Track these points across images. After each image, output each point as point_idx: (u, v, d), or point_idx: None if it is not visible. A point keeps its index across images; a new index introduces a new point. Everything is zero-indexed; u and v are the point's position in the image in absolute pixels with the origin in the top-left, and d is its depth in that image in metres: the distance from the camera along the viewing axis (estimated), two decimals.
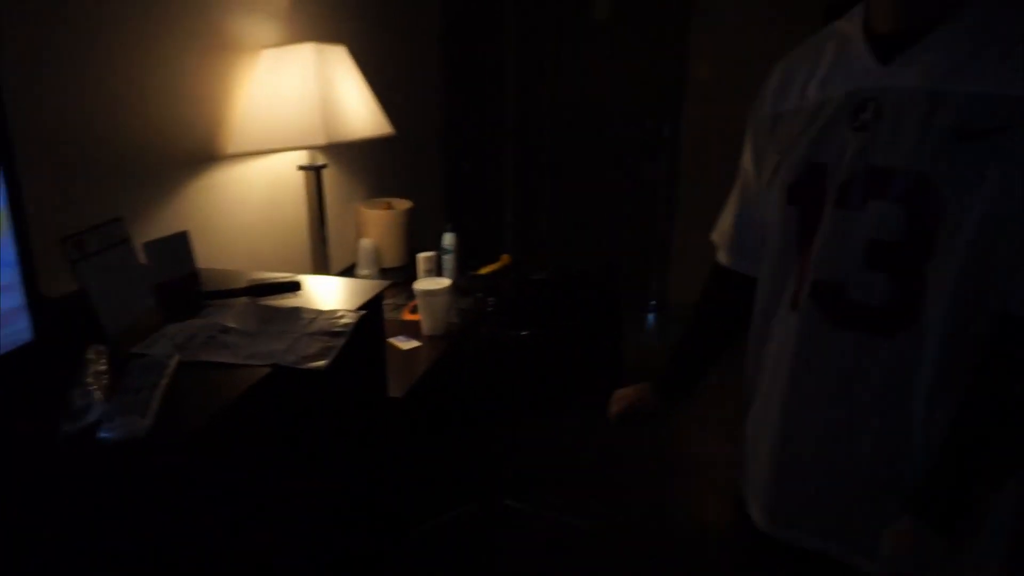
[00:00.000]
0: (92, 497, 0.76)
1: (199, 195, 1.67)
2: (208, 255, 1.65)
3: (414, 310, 1.99)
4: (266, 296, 1.28)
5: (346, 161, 2.34)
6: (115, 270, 1.10)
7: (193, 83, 1.61)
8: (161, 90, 1.52)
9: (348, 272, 2.33)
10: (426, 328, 1.90)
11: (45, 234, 1.00)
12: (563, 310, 1.97)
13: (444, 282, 1.87)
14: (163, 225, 1.53)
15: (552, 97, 3.82)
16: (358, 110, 1.80)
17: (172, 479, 0.85)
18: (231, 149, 1.70)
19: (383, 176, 2.63)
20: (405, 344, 1.85)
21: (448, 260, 2.28)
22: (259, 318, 1.18)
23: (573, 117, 3.80)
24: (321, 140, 1.63)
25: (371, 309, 1.29)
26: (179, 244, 1.26)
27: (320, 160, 1.90)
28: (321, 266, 2.00)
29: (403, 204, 2.42)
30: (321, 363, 1.05)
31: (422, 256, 2.19)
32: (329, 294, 1.35)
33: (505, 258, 2.45)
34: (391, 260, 2.38)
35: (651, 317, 3.89)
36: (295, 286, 1.31)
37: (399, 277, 2.26)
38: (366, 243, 2.26)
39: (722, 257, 1.17)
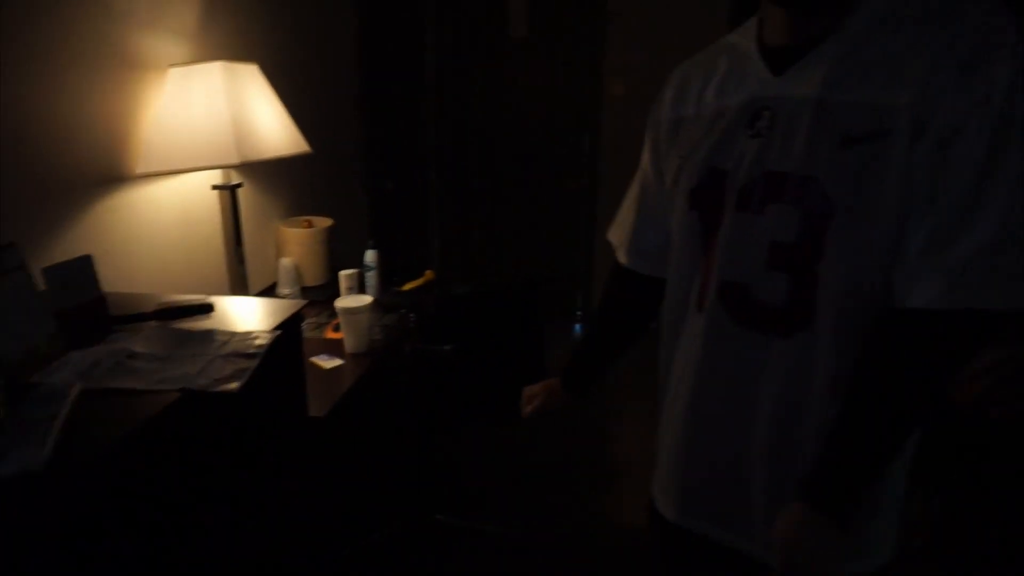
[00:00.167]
0: None
1: (107, 217, 1.62)
2: (118, 279, 1.60)
3: (337, 328, 1.98)
4: (177, 319, 1.25)
5: (264, 179, 2.31)
6: (9, 298, 1.05)
7: (95, 102, 1.56)
8: (59, 109, 1.47)
9: (269, 292, 2.30)
10: (349, 346, 1.88)
11: None
12: (486, 324, 1.99)
13: (366, 299, 1.86)
14: (68, 249, 1.47)
15: (474, 114, 3.86)
16: (272, 128, 1.78)
17: (73, 513, 0.82)
18: (140, 170, 1.66)
19: (304, 194, 2.61)
20: (327, 363, 1.83)
21: (371, 277, 2.27)
22: (170, 342, 1.16)
23: (496, 133, 3.86)
24: (234, 159, 1.61)
25: (288, 329, 1.28)
26: (82, 268, 1.21)
27: (235, 179, 1.87)
28: (239, 287, 1.96)
29: (324, 222, 2.40)
30: (234, 385, 1.04)
31: (344, 274, 2.18)
32: (245, 315, 1.33)
33: (429, 274, 2.46)
34: (313, 279, 2.36)
35: (578, 327, 3.96)
36: (207, 308, 1.29)
37: (321, 295, 2.24)
38: (286, 262, 2.23)
39: (621, 257, 1.20)
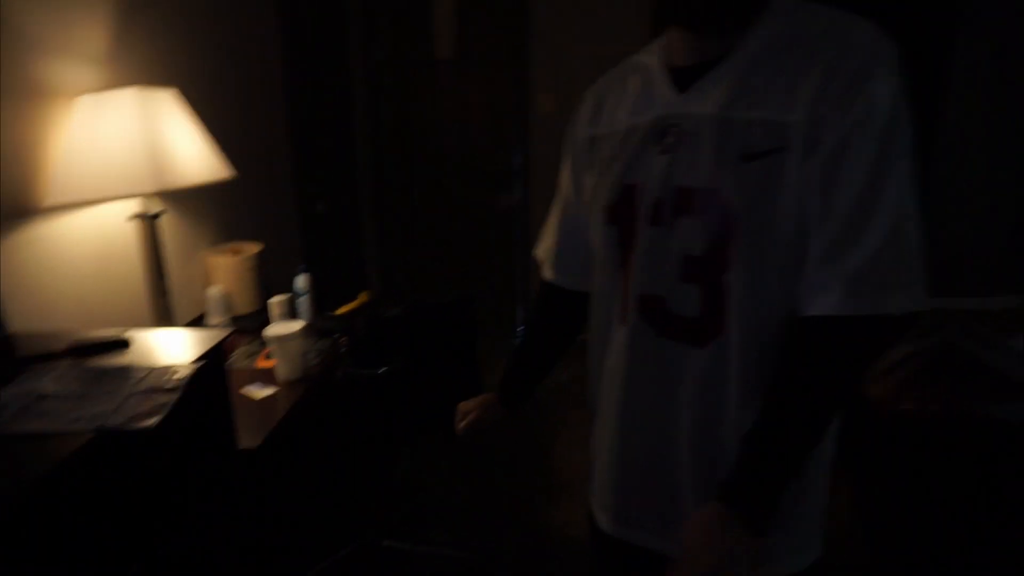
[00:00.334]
0: None
1: (14, 253, 1.54)
2: (30, 317, 1.53)
3: (269, 356, 1.93)
4: (92, 357, 1.20)
5: (188, 207, 2.25)
6: None
7: None
8: None
9: (198, 322, 2.23)
10: (282, 373, 1.84)
11: None
12: (421, 343, 1.97)
13: (296, 325, 1.82)
14: None
15: (406, 134, 3.86)
16: (192, 154, 1.73)
17: None
18: (49, 201, 1.59)
19: (233, 219, 2.54)
20: (260, 392, 1.79)
21: (303, 302, 2.23)
22: (83, 380, 1.11)
23: (429, 152, 3.86)
24: (149, 188, 1.56)
25: (210, 359, 1.25)
26: None
27: (155, 208, 1.81)
28: (164, 319, 1.90)
29: (252, 248, 2.35)
30: (151, 422, 1.00)
31: (275, 300, 2.13)
32: (166, 348, 1.29)
33: (364, 296, 2.43)
34: (243, 306, 2.30)
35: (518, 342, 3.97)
36: (123, 343, 1.24)
37: (253, 323, 2.18)
38: (215, 291, 2.17)
39: (547, 273, 1.23)
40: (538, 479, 2.71)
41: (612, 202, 0.99)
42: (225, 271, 2.27)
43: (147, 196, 1.73)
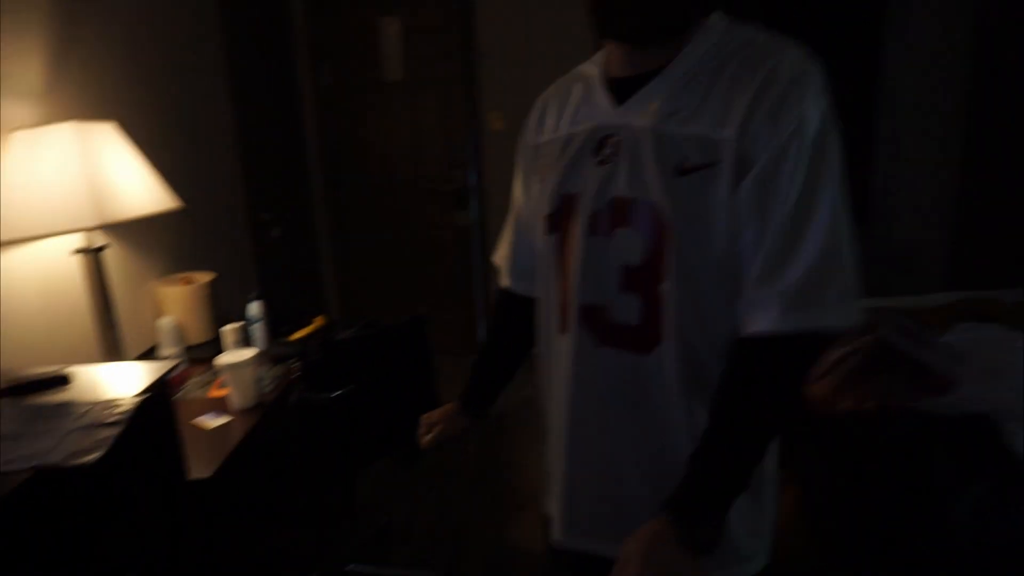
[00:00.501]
0: None
1: None
2: None
3: (222, 385, 1.92)
4: (30, 395, 1.19)
5: (135, 239, 2.22)
6: None
7: None
8: None
9: (149, 355, 2.20)
10: (235, 402, 1.83)
11: None
12: (375, 366, 1.98)
13: (248, 353, 1.82)
14: None
15: (359, 156, 3.87)
16: (134, 187, 1.73)
17: None
18: None
19: (183, 250, 2.52)
20: (213, 422, 1.77)
21: (257, 329, 2.22)
22: (21, 419, 1.10)
23: (383, 174, 3.87)
24: (90, 222, 1.55)
25: (155, 391, 1.24)
26: None
27: (99, 241, 1.79)
28: (112, 353, 1.87)
29: (204, 277, 2.33)
30: (91, 458, 1.00)
31: (227, 329, 2.12)
32: (111, 382, 1.28)
33: (319, 320, 2.43)
34: (196, 336, 2.28)
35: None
36: (62, 380, 1.23)
37: (206, 353, 2.16)
38: (166, 322, 2.15)
39: (504, 280, 1.24)
40: (500, 496, 2.72)
41: (551, 211, 1.01)
42: (176, 301, 2.25)
43: (89, 230, 1.72)
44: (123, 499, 1.19)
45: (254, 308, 2.21)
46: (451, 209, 3.85)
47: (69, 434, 1.06)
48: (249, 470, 1.77)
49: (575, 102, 1.03)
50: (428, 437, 1.29)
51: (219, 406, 1.85)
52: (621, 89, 0.96)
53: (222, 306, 2.38)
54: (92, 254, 1.78)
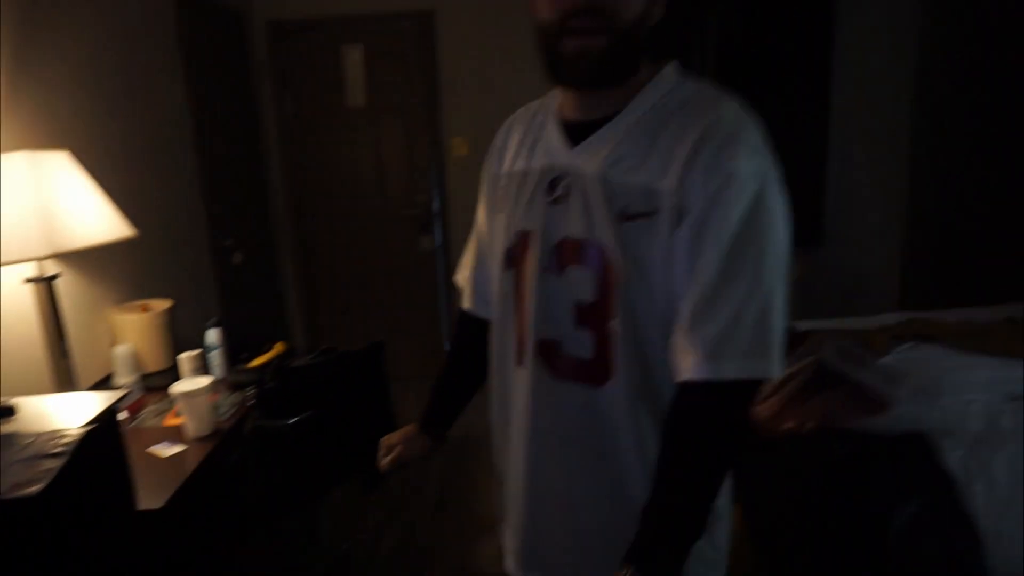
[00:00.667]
0: None
1: None
2: None
3: (178, 413, 1.91)
4: None
5: (90, 267, 2.21)
6: None
7: None
8: None
9: (104, 383, 2.18)
10: (191, 430, 1.82)
11: None
12: (332, 392, 1.98)
13: (203, 381, 1.82)
14: None
15: (323, 182, 3.89)
16: (87, 216, 1.73)
17: None
18: None
19: (141, 277, 2.51)
20: (167, 450, 1.77)
21: (215, 356, 2.21)
22: None
23: (349, 200, 3.89)
24: (41, 252, 1.55)
25: (103, 421, 1.24)
26: None
27: (51, 270, 1.79)
28: (65, 383, 1.86)
29: (161, 304, 2.33)
30: (33, 490, 1.00)
31: (184, 357, 2.11)
32: (57, 413, 1.27)
33: (279, 346, 2.43)
34: (153, 364, 2.27)
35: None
36: (7, 411, 1.22)
37: (164, 381, 2.15)
38: (122, 350, 2.13)
39: (465, 302, 1.26)
40: (464, 521, 2.72)
41: (508, 246, 1.04)
42: (133, 329, 2.23)
43: (41, 259, 1.71)
44: (69, 531, 1.18)
45: (212, 335, 2.21)
46: (415, 234, 3.88)
47: (11, 466, 1.05)
48: (205, 499, 1.76)
49: (533, 136, 1.06)
50: (387, 459, 1.27)
51: (174, 435, 1.84)
52: (574, 131, 0.99)
53: (182, 333, 2.37)
54: (44, 283, 1.78)
